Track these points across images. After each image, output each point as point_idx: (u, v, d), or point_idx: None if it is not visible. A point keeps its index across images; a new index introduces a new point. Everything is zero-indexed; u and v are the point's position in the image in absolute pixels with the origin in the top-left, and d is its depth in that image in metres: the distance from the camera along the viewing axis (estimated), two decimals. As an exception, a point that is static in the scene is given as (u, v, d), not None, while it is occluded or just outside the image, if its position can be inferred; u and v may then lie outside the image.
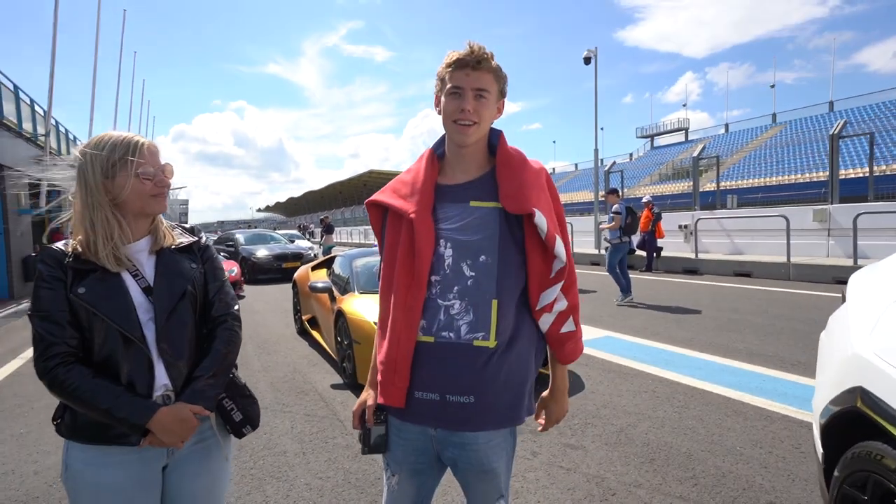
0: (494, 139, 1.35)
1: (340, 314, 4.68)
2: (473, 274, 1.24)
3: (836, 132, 10.13)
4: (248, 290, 11.85)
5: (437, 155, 1.39)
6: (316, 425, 3.63)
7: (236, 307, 1.42)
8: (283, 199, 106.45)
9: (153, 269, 1.30)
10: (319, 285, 5.25)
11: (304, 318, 6.47)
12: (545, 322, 1.31)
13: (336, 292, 5.19)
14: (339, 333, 4.76)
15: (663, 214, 12.51)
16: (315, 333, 6.01)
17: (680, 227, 12.89)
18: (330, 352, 5.26)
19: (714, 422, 3.41)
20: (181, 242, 1.37)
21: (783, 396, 3.81)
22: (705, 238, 11.97)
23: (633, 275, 11.76)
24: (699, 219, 12.00)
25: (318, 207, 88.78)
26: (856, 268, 8.60)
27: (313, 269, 6.76)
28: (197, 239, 1.42)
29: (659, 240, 12.13)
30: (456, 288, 1.24)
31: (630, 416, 3.56)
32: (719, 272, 10.86)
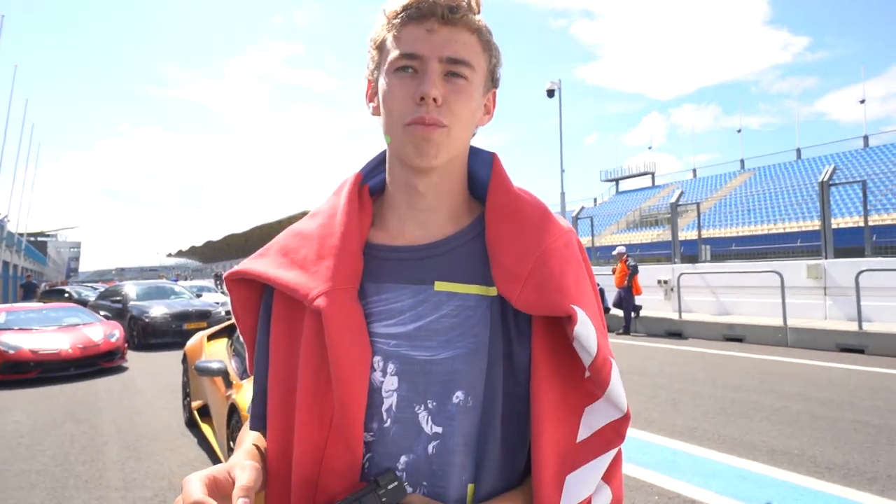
0: (482, 168, 0.87)
1: (234, 409, 3.80)
2: (440, 430, 0.75)
3: (825, 179, 10.30)
4: (136, 359, 10.58)
5: (371, 188, 0.89)
6: None
7: None
8: (199, 242, 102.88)
9: None
10: (212, 366, 4.34)
11: (193, 405, 5.47)
12: None
13: (234, 375, 4.29)
14: (232, 435, 3.86)
15: (639, 268, 12.32)
16: (206, 427, 5.03)
17: (659, 282, 12.73)
18: (220, 457, 4.32)
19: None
20: None
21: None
22: (687, 295, 11.80)
23: (610, 339, 11.41)
24: (682, 273, 11.85)
25: (241, 253, 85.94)
26: (861, 333, 8.49)
27: (210, 337, 5.81)
28: None
29: (636, 297, 11.88)
30: (404, 459, 0.75)
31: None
32: (707, 336, 10.63)
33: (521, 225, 0.80)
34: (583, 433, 0.77)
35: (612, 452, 0.77)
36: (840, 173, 29.63)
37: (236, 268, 0.86)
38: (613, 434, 0.77)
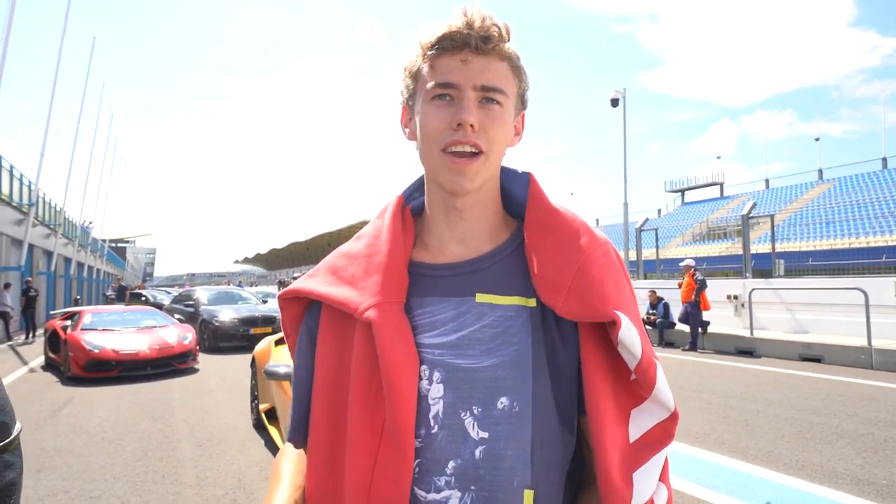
0: (518, 187, 0.91)
1: (302, 413, 3.92)
2: (486, 435, 0.78)
3: (916, 190, 9.64)
4: (206, 361, 11.06)
5: (413, 209, 0.95)
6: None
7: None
8: (264, 249, 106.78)
9: None
10: (280, 370, 4.50)
11: (261, 407, 5.67)
12: None
13: (301, 380, 4.43)
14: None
15: (707, 282, 11.86)
16: (273, 430, 5.21)
17: (728, 297, 12.21)
18: (288, 460, 4.46)
19: None
20: None
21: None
22: (760, 311, 11.25)
23: (675, 355, 11.11)
24: (753, 288, 11.32)
25: (302, 261, 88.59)
26: (958, 356, 7.83)
27: (278, 342, 6.02)
28: None
29: (704, 312, 11.43)
30: (452, 464, 0.78)
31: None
32: (781, 355, 10.09)
33: (559, 237, 0.84)
34: (633, 434, 0.80)
35: (665, 451, 0.80)
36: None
37: (290, 287, 0.93)
38: (663, 434, 0.80)
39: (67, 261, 29.99)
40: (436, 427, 0.78)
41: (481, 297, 0.83)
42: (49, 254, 24.80)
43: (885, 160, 38.41)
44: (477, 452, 0.77)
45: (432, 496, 0.77)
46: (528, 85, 0.89)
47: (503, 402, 0.78)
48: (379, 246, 0.88)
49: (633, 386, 0.80)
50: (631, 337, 0.76)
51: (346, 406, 0.81)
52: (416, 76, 0.84)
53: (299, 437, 0.92)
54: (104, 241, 46.92)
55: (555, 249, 0.83)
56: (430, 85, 0.81)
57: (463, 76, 0.79)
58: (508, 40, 0.83)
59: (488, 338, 0.81)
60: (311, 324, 0.91)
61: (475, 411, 0.78)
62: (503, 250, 0.87)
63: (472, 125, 0.78)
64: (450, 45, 0.80)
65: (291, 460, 0.93)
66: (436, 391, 0.79)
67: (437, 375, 0.80)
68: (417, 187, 0.96)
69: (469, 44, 0.79)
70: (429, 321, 0.83)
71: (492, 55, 0.81)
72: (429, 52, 0.82)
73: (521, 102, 0.88)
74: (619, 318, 0.75)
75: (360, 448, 0.78)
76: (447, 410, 0.79)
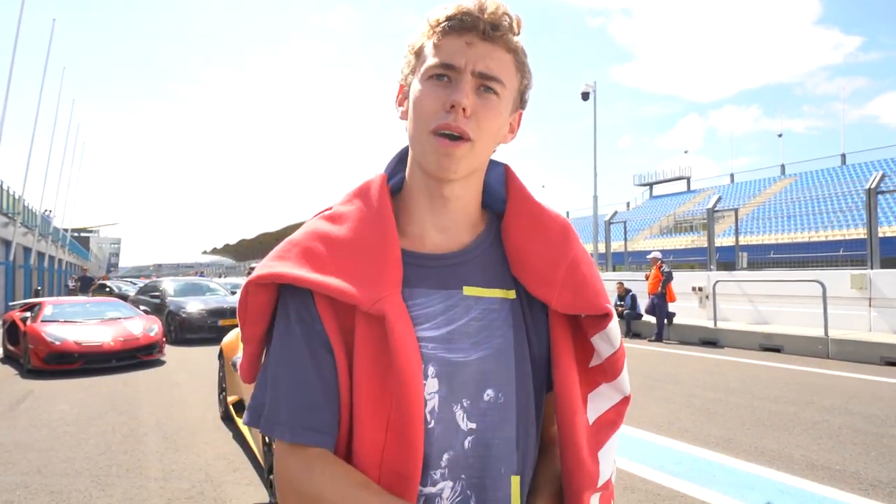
0: (492, 177, 0.90)
1: (271, 405, 3.88)
2: (474, 426, 0.79)
3: (873, 186, 9.97)
4: (173, 353, 10.85)
5: (391, 189, 0.89)
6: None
7: None
8: (233, 240, 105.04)
9: None
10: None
11: (229, 399, 5.60)
12: None
13: (269, 371, 4.38)
14: (268, 431, 3.95)
15: (673, 274, 12.11)
16: (241, 422, 5.13)
17: (693, 289, 12.49)
18: (256, 452, 4.42)
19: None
20: None
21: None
22: (723, 303, 11.55)
23: (642, 345, 11.33)
24: (717, 281, 11.60)
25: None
26: (908, 346, 8.18)
27: (247, 334, 5.94)
28: None
29: (670, 304, 11.68)
30: (446, 457, 0.78)
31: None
32: (743, 345, 10.38)
33: (546, 233, 0.86)
34: (591, 416, 0.86)
35: (619, 431, 0.88)
36: (889, 180, 28.54)
37: (268, 272, 0.79)
38: (616, 416, 0.88)
39: (27, 251, 29.00)
40: (433, 422, 0.78)
41: (469, 290, 0.83)
42: (7, 243, 23.94)
43: (843, 156, 39.63)
44: (466, 443, 0.79)
45: (429, 489, 0.77)
46: (531, 84, 0.86)
47: (489, 393, 0.80)
48: (366, 224, 0.81)
49: (590, 372, 0.85)
50: (616, 329, 0.82)
51: (347, 400, 0.77)
52: (418, 53, 0.81)
53: (328, 440, 0.77)
54: (66, 230, 45.50)
55: (543, 244, 0.84)
56: (430, 63, 0.78)
57: (464, 59, 0.76)
58: (518, 34, 0.81)
59: (475, 331, 0.81)
60: (304, 313, 0.79)
61: (464, 403, 0.79)
62: (482, 242, 0.87)
63: (464, 109, 0.75)
64: (458, 25, 0.77)
65: (341, 463, 0.77)
66: (431, 386, 0.78)
67: (431, 370, 0.78)
68: (397, 162, 0.91)
69: (477, 27, 0.76)
70: (421, 313, 0.80)
71: (498, 43, 0.78)
72: (436, 29, 0.79)
73: (521, 100, 0.85)
74: (611, 311, 0.82)
75: (368, 444, 0.75)
76: (441, 405, 0.78)
